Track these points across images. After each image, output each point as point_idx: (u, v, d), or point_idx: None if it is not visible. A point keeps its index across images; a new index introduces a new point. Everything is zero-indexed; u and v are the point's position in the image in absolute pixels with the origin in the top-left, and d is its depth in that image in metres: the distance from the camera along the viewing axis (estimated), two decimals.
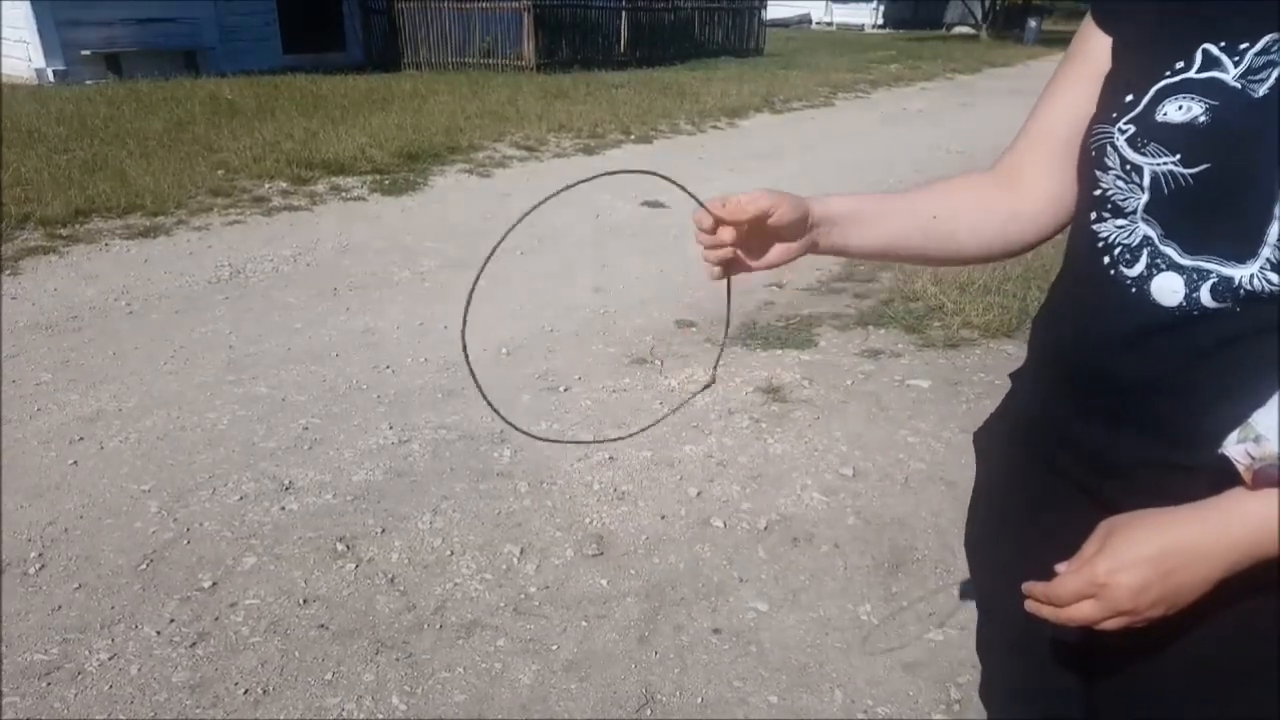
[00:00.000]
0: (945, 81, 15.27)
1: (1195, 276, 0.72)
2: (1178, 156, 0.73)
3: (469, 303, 0.83)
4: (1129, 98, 0.78)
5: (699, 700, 1.92)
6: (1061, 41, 12.00)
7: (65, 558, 2.35)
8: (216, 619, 2.13)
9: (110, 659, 2.00)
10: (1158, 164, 0.74)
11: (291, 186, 6.33)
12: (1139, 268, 0.75)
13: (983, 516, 1.07)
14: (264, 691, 1.92)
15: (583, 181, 0.85)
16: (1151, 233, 0.75)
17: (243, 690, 1.92)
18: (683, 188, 0.91)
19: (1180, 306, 0.73)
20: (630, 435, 0.79)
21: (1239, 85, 0.71)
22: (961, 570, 2.26)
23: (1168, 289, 0.73)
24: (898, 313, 4.10)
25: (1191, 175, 0.72)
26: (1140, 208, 0.76)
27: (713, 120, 9.92)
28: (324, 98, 10.00)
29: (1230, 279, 0.70)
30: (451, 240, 5.20)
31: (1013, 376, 1.01)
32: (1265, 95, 0.69)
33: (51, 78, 11.41)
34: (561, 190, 0.85)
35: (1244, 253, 0.69)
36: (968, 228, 0.94)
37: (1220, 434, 0.70)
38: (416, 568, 2.34)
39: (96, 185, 5.87)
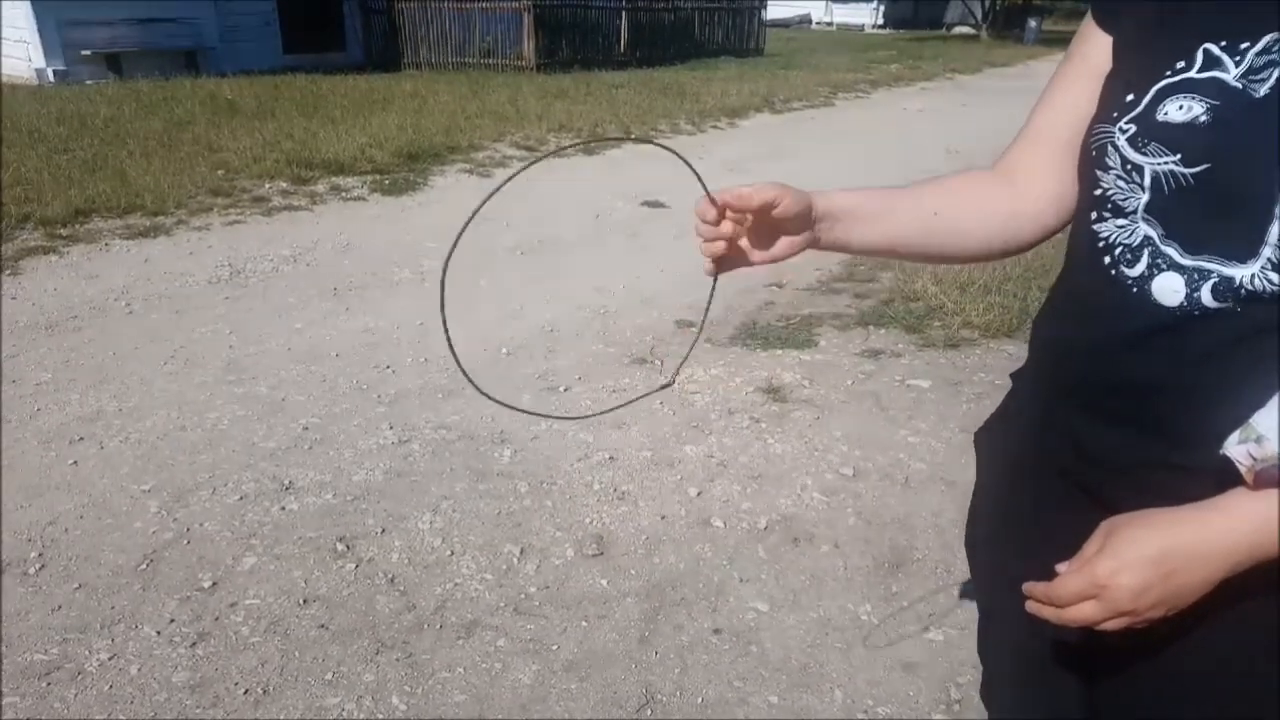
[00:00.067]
0: (945, 81, 15.28)
1: (1196, 276, 0.72)
2: (1178, 156, 0.73)
3: (446, 267, 0.82)
4: (1130, 97, 0.77)
5: (699, 700, 1.92)
6: (1061, 41, 12.00)
7: (65, 558, 2.35)
8: (216, 619, 2.13)
9: (110, 659, 2.00)
10: (1158, 164, 0.74)
11: (291, 186, 6.34)
12: (1140, 268, 0.75)
13: (983, 516, 1.07)
14: (264, 691, 1.92)
15: (578, 144, 0.85)
16: (1152, 232, 0.75)
17: (243, 690, 1.92)
18: (687, 163, 0.90)
19: (1181, 306, 0.73)
20: (582, 417, 0.79)
21: (1240, 85, 0.71)
22: (962, 570, 2.26)
23: (1169, 289, 0.73)
24: (898, 313, 4.10)
25: (1192, 175, 0.72)
26: (1141, 207, 0.76)
27: (713, 120, 9.93)
28: (324, 98, 10.00)
29: (1231, 279, 0.70)
30: (451, 240, 5.18)
31: (1013, 376, 1.01)
32: (1266, 95, 0.69)
33: (52, 78, 11.42)
34: (551, 154, 0.84)
35: (1245, 252, 0.69)
36: (969, 225, 0.94)
37: (1221, 434, 0.70)
38: (416, 568, 2.34)
39: (96, 185, 5.87)
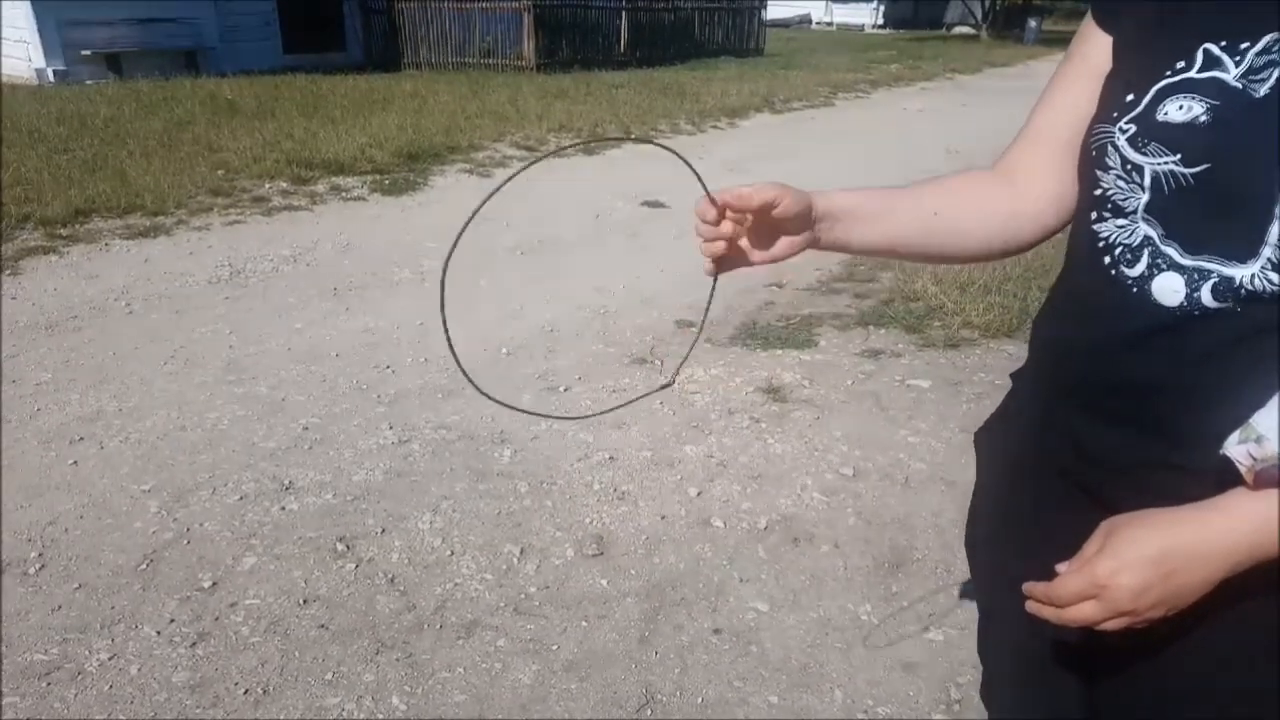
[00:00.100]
0: (945, 81, 15.28)
1: (1196, 276, 0.72)
2: (1178, 156, 0.73)
3: (446, 267, 0.81)
4: (1130, 97, 0.77)
5: (699, 700, 1.92)
6: (1061, 41, 12.00)
7: (65, 558, 2.35)
8: (216, 619, 2.13)
9: (110, 659, 2.00)
10: (1158, 164, 0.74)
11: (291, 186, 6.34)
12: (1140, 268, 0.75)
13: (983, 516, 1.07)
14: (264, 691, 1.92)
15: (577, 144, 0.85)
16: (1152, 232, 0.75)
17: (243, 690, 1.92)
18: (687, 163, 0.90)
19: (1181, 306, 0.73)
20: (581, 417, 0.79)
21: (1240, 85, 0.71)
22: (962, 570, 2.26)
23: (1169, 289, 0.73)
24: (898, 313, 4.10)
25: (1192, 175, 0.72)
26: (1141, 207, 0.76)
27: (713, 120, 9.93)
28: (324, 98, 10.00)
29: (1231, 279, 0.70)
30: (451, 240, 5.18)
31: (1013, 376, 1.01)
32: (1266, 95, 0.69)
33: (52, 78, 11.42)
34: (551, 154, 0.84)
35: (1245, 252, 0.69)
36: (969, 226, 0.94)
37: (1221, 434, 0.70)
38: (416, 568, 2.34)
39: (96, 185, 5.87)
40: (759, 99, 11.34)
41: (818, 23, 34.95)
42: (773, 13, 24.10)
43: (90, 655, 2.01)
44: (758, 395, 3.33)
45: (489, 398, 0.84)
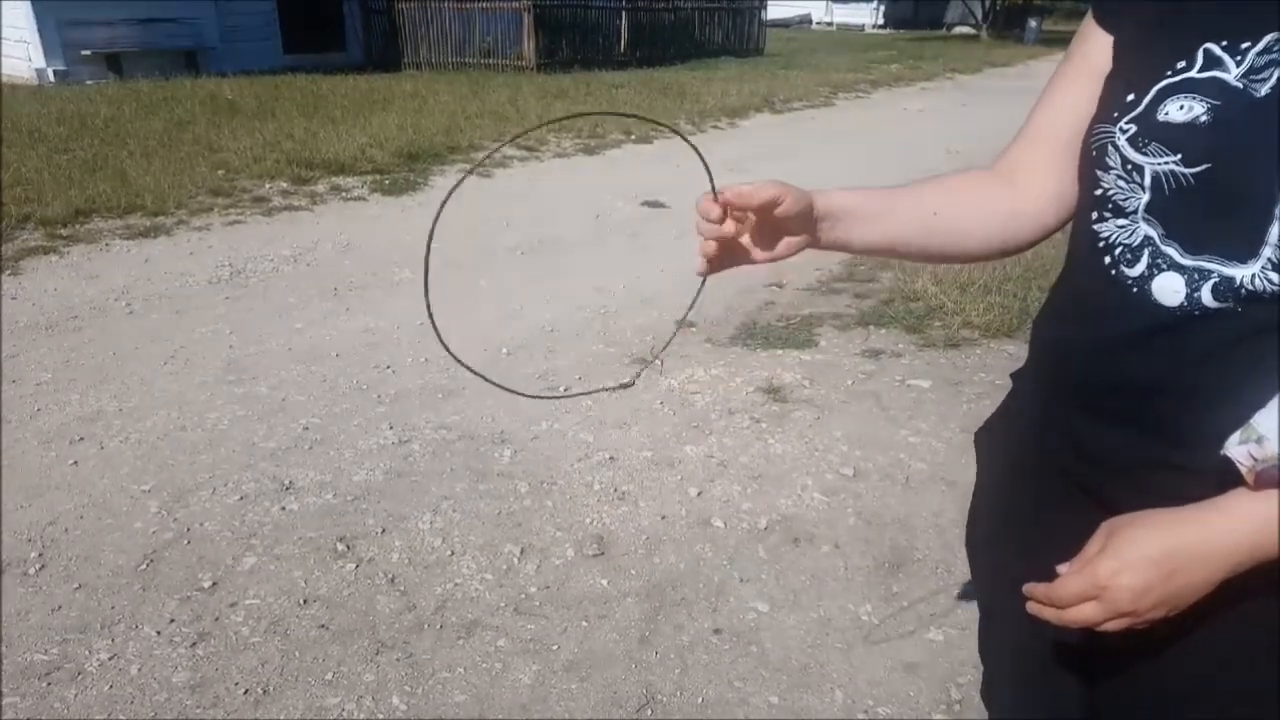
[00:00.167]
0: (945, 81, 15.27)
1: (1196, 276, 0.72)
2: (1179, 156, 0.72)
3: (430, 242, 0.81)
4: (1130, 97, 0.77)
5: (699, 700, 1.92)
6: (1062, 41, 11.99)
7: (65, 558, 2.35)
8: (217, 619, 2.13)
9: (110, 659, 2.00)
10: (1159, 164, 0.74)
11: (292, 186, 6.34)
12: (1140, 268, 0.75)
13: (984, 516, 1.07)
14: (264, 691, 1.92)
15: (573, 116, 0.84)
16: (1153, 232, 0.75)
17: (243, 690, 1.92)
18: (699, 153, 0.88)
19: (1181, 306, 0.73)
20: (542, 397, 0.79)
21: (1241, 85, 0.71)
22: (962, 570, 2.25)
23: (1169, 289, 0.73)
24: (898, 313, 4.10)
25: (1193, 175, 0.72)
26: (1141, 207, 0.76)
27: (713, 120, 9.93)
28: (324, 98, 10.00)
29: (1231, 279, 0.70)
30: (451, 240, 5.19)
31: (1014, 376, 1.01)
32: (1267, 95, 0.69)
33: (52, 78, 11.43)
34: (542, 125, 0.84)
35: (1245, 252, 0.69)
36: (969, 225, 0.94)
37: (1222, 434, 0.70)
38: (417, 568, 2.34)
39: (97, 185, 5.87)
40: (759, 99, 11.34)
41: (818, 23, 34.95)
42: (773, 13, 24.10)
43: (90, 655, 2.01)
44: (758, 395, 3.33)
45: (464, 365, 0.84)
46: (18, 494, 2.62)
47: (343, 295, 4.35)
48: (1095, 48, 0.87)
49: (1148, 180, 0.75)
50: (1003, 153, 0.97)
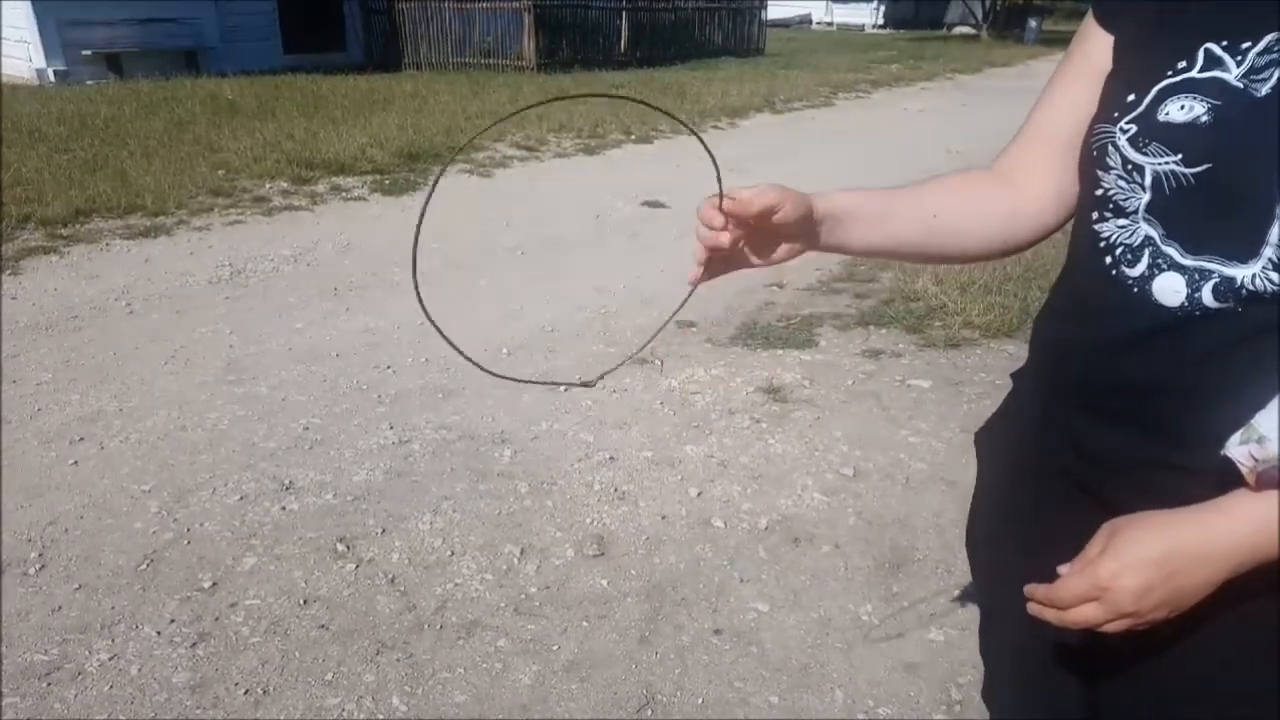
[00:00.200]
0: (946, 81, 15.27)
1: (1197, 276, 0.72)
2: (1179, 156, 0.72)
3: (422, 218, 0.81)
4: (1131, 97, 0.77)
5: (699, 701, 1.92)
6: (1062, 41, 11.98)
7: (65, 558, 2.35)
8: (217, 619, 2.13)
9: (110, 659, 1.99)
10: (1159, 164, 0.74)
11: (292, 186, 6.34)
12: (1140, 268, 0.75)
13: (984, 516, 1.07)
14: (264, 692, 1.92)
15: (573, 97, 0.84)
16: (1153, 233, 0.75)
17: (243, 690, 1.92)
18: (709, 152, 0.87)
19: (1182, 307, 0.72)
20: (518, 380, 0.80)
21: (1241, 85, 0.71)
22: (963, 570, 2.25)
23: (1169, 289, 0.73)
24: (898, 313, 4.10)
25: (1193, 175, 0.72)
26: (1142, 207, 0.76)
27: (713, 120, 9.92)
28: (324, 98, 10.00)
29: (1232, 279, 0.70)
30: (451, 240, 5.19)
31: (1014, 376, 1.01)
32: (1267, 95, 0.69)
33: (52, 78, 11.43)
34: (531, 106, 0.84)
35: (1246, 253, 0.69)
36: (969, 226, 0.94)
37: (1222, 435, 0.69)
38: (417, 568, 2.34)
39: (97, 185, 5.87)
40: (759, 99, 11.34)
41: (818, 23, 34.94)
42: (773, 13, 24.10)
43: (90, 655, 2.01)
44: (758, 395, 3.33)
45: (453, 346, 0.84)
46: (18, 494, 2.62)
47: (343, 295, 4.35)
48: (1095, 47, 0.87)
49: (1148, 180, 0.75)
50: (1002, 152, 0.97)
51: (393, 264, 4.83)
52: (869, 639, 2.10)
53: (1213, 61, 0.73)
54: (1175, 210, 0.73)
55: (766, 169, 7.42)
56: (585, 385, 0.92)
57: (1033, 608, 0.79)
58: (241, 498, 2.63)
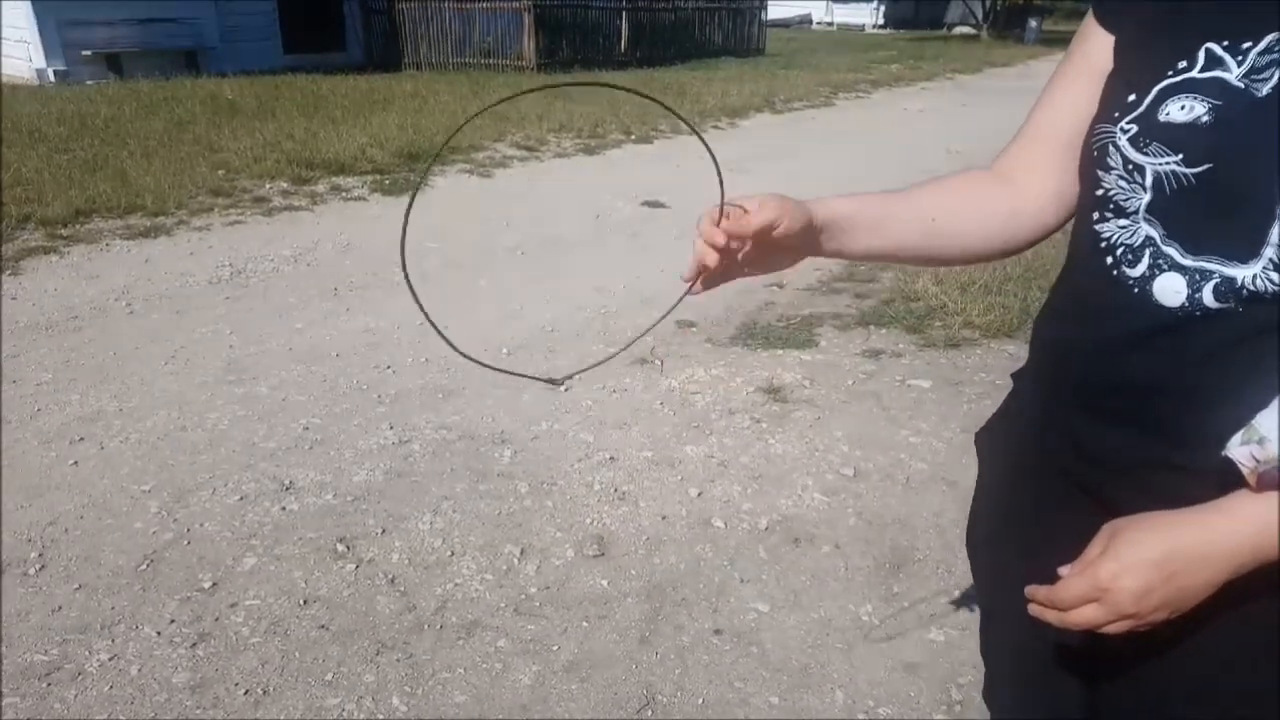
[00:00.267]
0: (946, 81, 15.27)
1: (1197, 277, 0.72)
2: (1180, 156, 0.72)
3: (412, 201, 0.81)
4: (1131, 97, 0.77)
5: (700, 701, 1.92)
6: (1062, 41, 11.97)
7: (65, 558, 2.34)
8: (217, 619, 2.13)
9: (110, 659, 1.99)
10: (1160, 164, 0.74)
11: (292, 186, 6.33)
12: (1141, 268, 0.75)
13: (984, 517, 1.06)
14: (264, 692, 1.92)
15: (561, 85, 0.85)
16: (1154, 233, 0.75)
17: (243, 691, 1.92)
18: (713, 155, 0.87)
19: (1182, 307, 0.72)
20: (500, 370, 0.80)
21: (1242, 85, 0.70)
22: (963, 571, 2.25)
23: (1170, 289, 0.73)
24: (899, 313, 4.10)
25: (1194, 175, 0.72)
26: (1142, 208, 0.75)
27: (714, 120, 9.92)
28: (324, 98, 10.00)
29: (1233, 279, 0.70)
30: (451, 240, 5.19)
31: (1014, 376, 1.01)
32: (1268, 95, 0.69)
33: (52, 78, 11.43)
34: (522, 93, 0.84)
35: (1246, 253, 0.69)
36: (969, 227, 0.94)
37: (1223, 435, 0.69)
38: (417, 568, 2.33)
39: (97, 185, 5.87)
40: (759, 99, 11.34)
41: (818, 23, 34.93)
42: (773, 13, 24.09)
43: (90, 656, 2.01)
44: (758, 395, 3.32)
45: (447, 341, 0.85)
46: (18, 494, 2.62)
47: (343, 295, 4.35)
48: (1096, 47, 0.87)
49: (1149, 180, 0.75)
50: (1002, 152, 0.97)
51: (393, 264, 4.83)
52: (869, 639, 2.10)
53: (1213, 61, 0.73)
54: (1176, 210, 0.73)
55: (766, 169, 7.42)
56: (552, 383, 0.92)
57: (1033, 609, 0.79)
58: (241, 498, 2.63)
